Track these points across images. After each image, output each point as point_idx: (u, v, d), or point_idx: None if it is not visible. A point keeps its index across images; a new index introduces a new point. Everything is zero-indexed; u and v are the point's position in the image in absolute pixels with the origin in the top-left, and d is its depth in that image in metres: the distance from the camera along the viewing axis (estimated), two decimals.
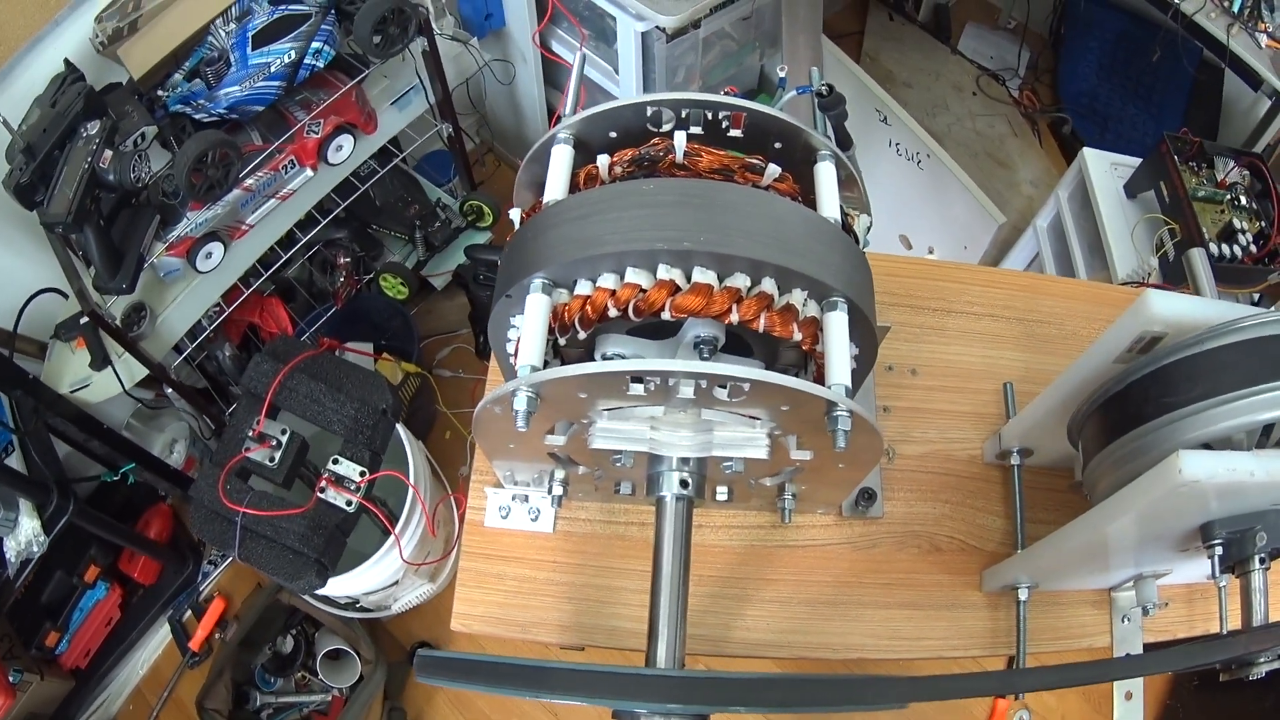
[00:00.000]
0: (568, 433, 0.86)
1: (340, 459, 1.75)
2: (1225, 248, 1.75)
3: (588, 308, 0.78)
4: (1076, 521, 0.96)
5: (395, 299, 2.61)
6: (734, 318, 0.75)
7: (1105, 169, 1.90)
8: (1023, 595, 1.13)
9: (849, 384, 0.75)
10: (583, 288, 0.79)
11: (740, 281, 0.75)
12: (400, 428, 1.96)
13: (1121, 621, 1.16)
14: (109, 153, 1.58)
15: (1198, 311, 0.88)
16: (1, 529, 1.79)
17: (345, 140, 2.07)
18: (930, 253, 2.49)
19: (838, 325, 0.77)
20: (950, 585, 1.18)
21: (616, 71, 2.28)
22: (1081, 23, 2.83)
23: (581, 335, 0.80)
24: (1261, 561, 0.84)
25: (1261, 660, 0.81)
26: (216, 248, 1.91)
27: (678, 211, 0.75)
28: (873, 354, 0.92)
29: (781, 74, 1.04)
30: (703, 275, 0.75)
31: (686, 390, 0.72)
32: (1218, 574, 0.86)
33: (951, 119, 2.86)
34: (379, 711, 2.17)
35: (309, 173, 2.04)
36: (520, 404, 0.75)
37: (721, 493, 0.99)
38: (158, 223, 1.75)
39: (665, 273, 0.75)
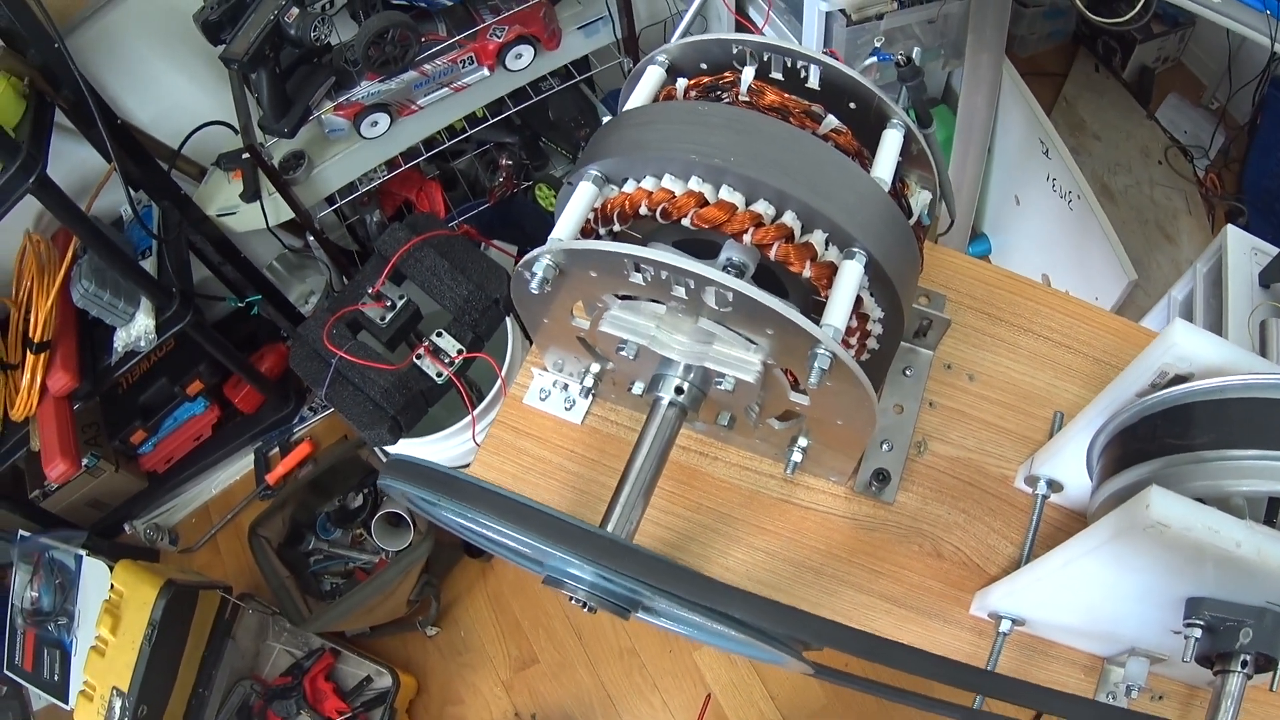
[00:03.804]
0: (590, 315, 0.93)
1: (444, 333, 1.88)
2: None
3: (625, 203, 0.84)
4: (1055, 549, 0.93)
5: (547, 210, 2.74)
6: (748, 239, 0.80)
7: (1245, 251, 1.81)
8: (1003, 627, 1.09)
9: (840, 327, 0.78)
10: (629, 187, 0.86)
11: (764, 209, 0.80)
12: (510, 321, 2.07)
13: (1105, 697, 1.10)
14: (296, 10, 1.75)
15: (1228, 357, 0.84)
16: (117, 319, 1.99)
17: (525, 50, 2.19)
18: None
19: (850, 273, 0.81)
20: (940, 594, 1.17)
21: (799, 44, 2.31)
22: (1278, 120, 2.67)
23: (617, 228, 0.87)
24: (1244, 665, 0.77)
25: None
26: (383, 118, 2.07)
27: (720, 133, 0.81)
28: (899, 327, 0.95)
29: (878, 44, 1.06)
30: (730, 195, 0.80)
31: (679, 289, 0.78)
32: (1189, 658, 0.79)
33: (1130, 181, 2.77)
34: (414, 580, 2.30)
35: (485, 72, 2.17)
36: (539, 268, 0.82)
37: (723, 418, 1.04)
38: (332, 83, 1.92)
39: (697, 184, 0.81)
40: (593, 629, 2.51)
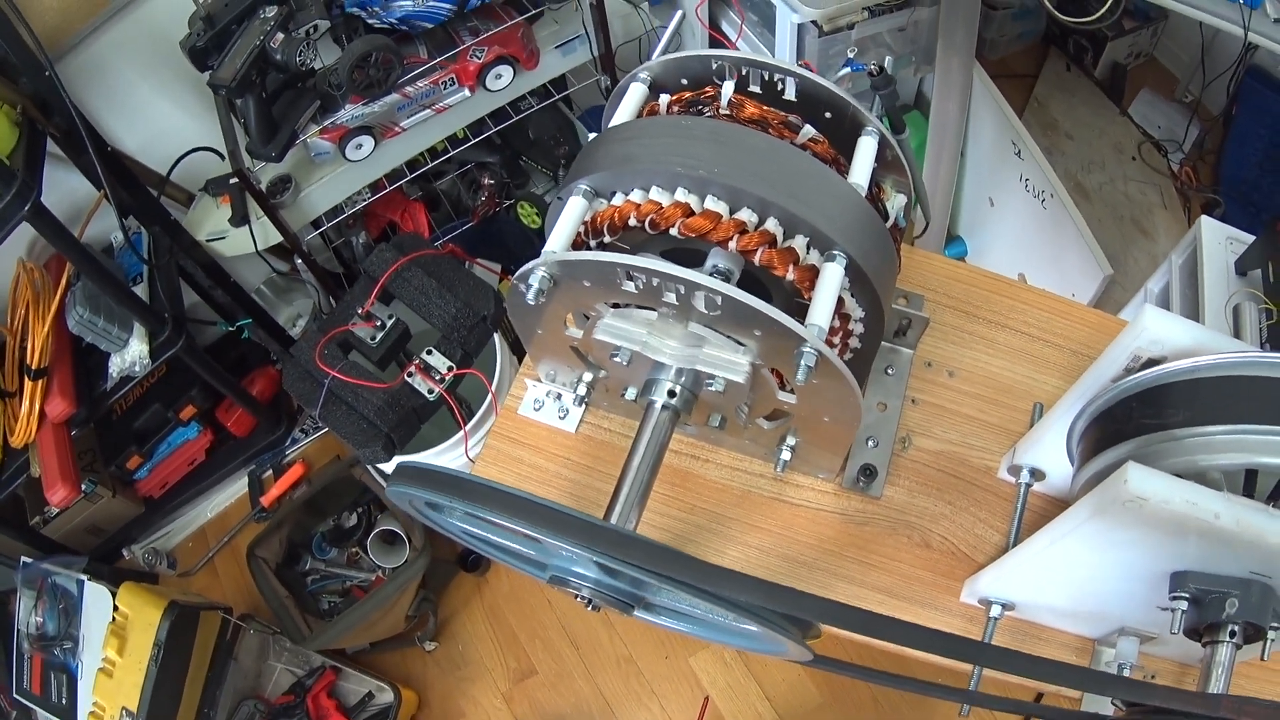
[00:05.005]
0: (583, 327, 0.97)
1: (434, 351, 1.91)
2: None
3: (615, 216, 0.88)
4: (1039, 531, 0.96)
5: (529, 227, 2.78)
6: (733, 245, 0.84)
7: (1220, 241, 1.85)
8: (994, 612, 1.12)
9: (824, 325, 0.82)
10: (617, 200, 0.90)
11: (747, 216, 0.84)
12: (498, 338, 2.10)
13: None
14: (281, 35, 1.79)
15: (1199, 339, 0.87)
16: (112, 345, 2.02)
17: (505, 71, 2.23)
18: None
19: (831, 275, 0.85)
20: (930, 584, 1.20)
21: (774, 56, 2.36)
22: (1254, 109, 2.71)
23: (607, 240, 0.91)
24: (1232, 635, 0.79)
25: None
26: (367, 140, 2.10)
27: (703, 145, 0.85)
28: (879, 326, 0.99)
29: (850, 55, 1.11)
30: (714, 204, 0.84)
31: (669, 295, 0.82)
32: (1177, 629, 0.82)
33: (1104, 178, 2.82)
34: (412, 596, 2.33)
35: (466, 93, 2.20)
36: (534, 280, 0.86)
37: (713, 420, 1.08)
38: (317, 107, 1.95)
39: (683, 195, 0.85)
40: (589, 638, 2.54)
